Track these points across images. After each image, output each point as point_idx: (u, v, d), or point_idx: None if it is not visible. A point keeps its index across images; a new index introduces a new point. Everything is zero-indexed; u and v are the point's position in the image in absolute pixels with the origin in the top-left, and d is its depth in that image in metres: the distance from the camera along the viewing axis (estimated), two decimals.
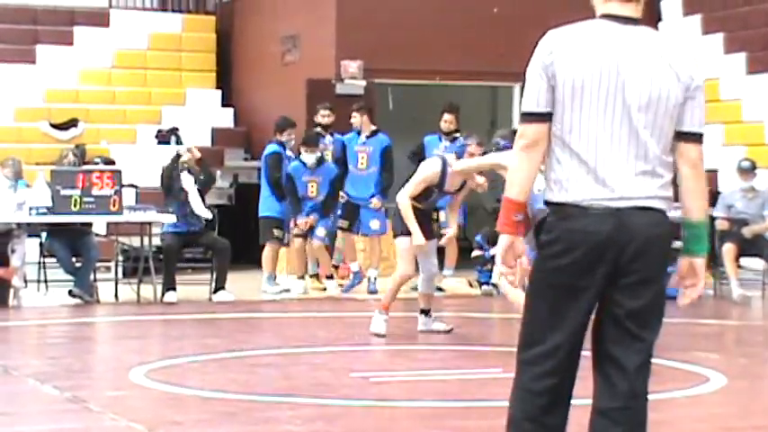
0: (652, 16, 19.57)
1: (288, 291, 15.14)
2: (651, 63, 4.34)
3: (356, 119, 15.47)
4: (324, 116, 15.72)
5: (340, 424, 7.42)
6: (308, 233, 15.05)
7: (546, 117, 4.35)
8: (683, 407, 8.08)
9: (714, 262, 15.24)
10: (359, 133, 15.37)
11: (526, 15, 17.68)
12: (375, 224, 15.28)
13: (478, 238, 15.52)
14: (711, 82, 18.36)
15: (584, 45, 4.33)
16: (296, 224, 14.98)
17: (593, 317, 4.47)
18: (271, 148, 15.40)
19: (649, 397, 4.48)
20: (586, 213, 4.33)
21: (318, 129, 15.66)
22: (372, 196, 15.17)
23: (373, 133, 15.35)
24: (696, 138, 4.43)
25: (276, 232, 15.16)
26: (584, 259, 4.32)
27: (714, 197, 15.61)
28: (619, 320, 4.39)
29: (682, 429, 7.41)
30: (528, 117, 4.37)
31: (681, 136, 4.41)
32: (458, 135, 15.22)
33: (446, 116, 15.41)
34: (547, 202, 4.41)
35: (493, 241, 13.22)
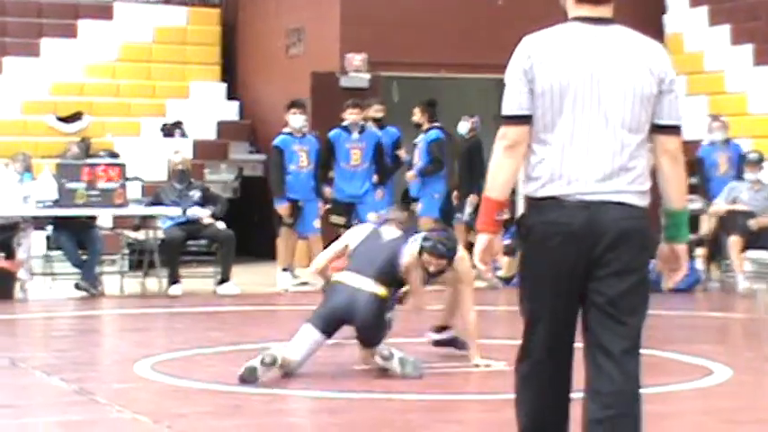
0: (657, 8, 19.53)
1: (305, 283, 14.95)
2: (624, 60, 4.46)
3: (358, 114, 15.28)
4: (378, 111, 15.73)
5: (344, 416, 7.43)
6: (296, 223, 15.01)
7: (526, 119, 4.47)
8: (688, 399, 8.07)
9: (719, 254, 15.24)
10: (348, 131, 15.23)
11: (531, 7, 17.65)
12: (372, 217, 15.24)
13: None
14: (717, 74, 18.30)
15: (560, 48, 4.45)
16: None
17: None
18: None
19: (646, 386, 4.57)
20: (561, 206, 4.44)
21: (370, 123, 15.59)
22: (366, 193, 15.15)
23: (362, 129, 15.31)
24: (674, 130, 4.55)
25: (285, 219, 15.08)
26: (559, 249, 4.43)
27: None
28: (600, 307, 4.49)
29: (686, 422, 7.41)
30: (509, 120, 4.48)
31: (659, 129, 4.53)
32: (433, 126, 15.68)
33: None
34: (526, 198, 4.53)
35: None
